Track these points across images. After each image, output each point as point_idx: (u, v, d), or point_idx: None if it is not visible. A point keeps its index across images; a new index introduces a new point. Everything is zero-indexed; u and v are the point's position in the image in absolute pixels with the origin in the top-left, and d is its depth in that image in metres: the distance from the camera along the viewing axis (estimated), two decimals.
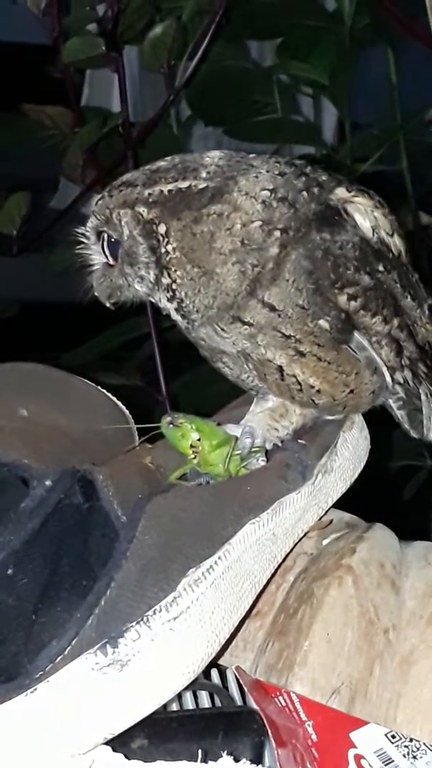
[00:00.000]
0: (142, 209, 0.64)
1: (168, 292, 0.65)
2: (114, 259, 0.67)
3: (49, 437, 0.68)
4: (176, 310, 0.66)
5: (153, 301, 0.68)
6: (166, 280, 0.65)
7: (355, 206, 0.67)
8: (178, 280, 0.64)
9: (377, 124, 1.59)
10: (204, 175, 0.64)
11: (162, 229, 0.64)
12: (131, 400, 0.75)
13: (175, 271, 0.64)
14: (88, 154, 1.33)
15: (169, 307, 0.66)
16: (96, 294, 0.70)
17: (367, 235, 0.67)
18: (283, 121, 1.53)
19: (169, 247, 0.64)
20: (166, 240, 0.64)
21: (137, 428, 0.72)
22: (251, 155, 0.67)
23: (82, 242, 0.68)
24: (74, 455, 0.65)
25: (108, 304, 0.70)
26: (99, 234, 0.67)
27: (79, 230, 0.68)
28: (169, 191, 0.64)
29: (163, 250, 0.64)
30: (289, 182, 0.65)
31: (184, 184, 0.64)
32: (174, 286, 0.65)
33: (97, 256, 0.68)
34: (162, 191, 0.64)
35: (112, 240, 0.66)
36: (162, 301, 0.66)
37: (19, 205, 1.27)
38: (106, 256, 0.67)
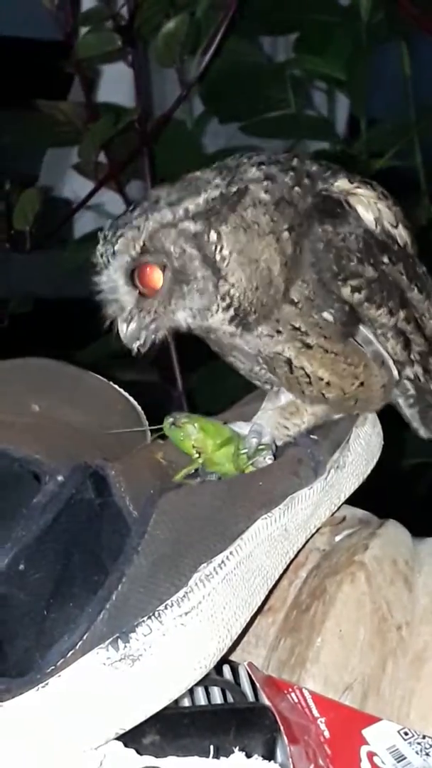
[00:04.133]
0: (187, 225, 0.63)
1: (225, 300, 0.64)
2: (153, 289, 0.64)
3: (61, 433, 0.68)
4: (231, 318, 0.64)
5: (188, 325, 0.65)
6: (224, 288, 0.63)
7: (357, 198, 0.66)
8: (236, 283, 0.63)
9: (391, 119, 1.59)
10: (219, 181, 0.63)
11: (213, 236, 0.63)
12: (146, 396, 0.75)
13: (233, 274, 0.63)
14: (102, 149, 1.33)
15: (222, 319, 0.64)
16: (126, 338, 0.66)
17: (370, 227, 0.66)
18: (297, 117, 1.53)
19: (225, 252, 0.63)
20: (219, 246, 0.63)
21: (144, 429, 0.72)
22: (239, 158, 0.66)
23: (105, 289, 0.65)
24: (86, 451, 0.65)
25: (136, 348, 0.66)
26: (132, 270, 0.64)
27: (102, 279, 0.64)
28: (206, 201, 0.63)
29: (218, 257, 0.63)
30: (279, 182, 0.64)
31: (215, 193, 0.63)
32: (232, 291, 0.63)
33: (127, 297, 0.64)
34: (199, 203, 0.63)
35: (154, 268, 0.63)
36: (214, 315, 0.64)
37: (32, 202, 1.27)
38: (144, 289, 0.64)
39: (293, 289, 0.64)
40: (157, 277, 0.63)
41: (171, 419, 0.66)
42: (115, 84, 1.38)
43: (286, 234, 0.63)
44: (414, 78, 1.52)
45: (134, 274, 0.64)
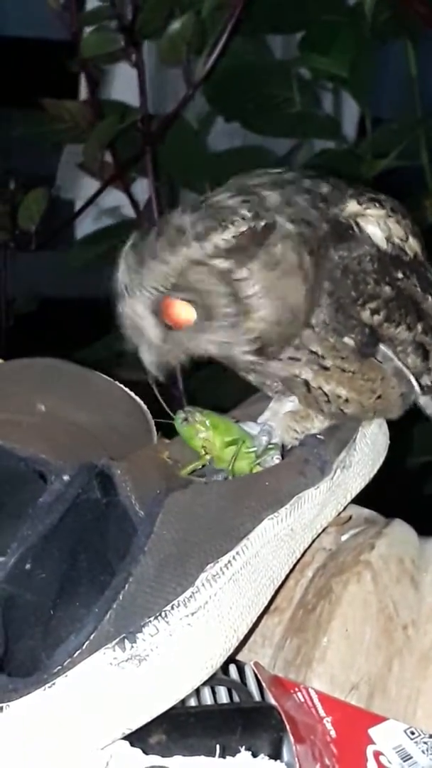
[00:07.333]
0: (217, 262, 0.61)
1: (249, 334, 0.63)
2: (180, 324, 0.63)
3: (67, 432, 0.68)
4: (254, 351, 0.64)
5: (209, 355, 0.65)
6: (250, 323, 0.63)
7: (366, 218, 0.66)
8: (262, 320, 0.62)
9: (397, 118, 1.59)
10: (246, 213, 0.62)
11: (243, 274, 0.62)
12: (149, 395, 0.75)
13: (259, 310, 0.62)
14: (107, 148, 1.33)
15: (244, 350, 0.64)
16: (150, 366, 0.66)
17: (381, 246, 0.66)
18: (304, 116, 1.52)
19: (254, 290, 0.62)
20: (248, 283, 0.62)
21: (150, 428, 0.72)
22: (258, 178, 0.65)
23: (127, 319, 0.64)
24: (92, 450, 0.65)
25: (161, 376, 0.66)
26: (158, 304, 0.63)
27: (125, 309, 0.64)
28: (234, 236, 0.61)
29: (246, 293, 0.62)
30: (301, 206, 0.63)
31: (243, 227, 0.61)
32: (258, 326, 0.63)
33: (152, 329, 0.64)
34: (228, 239, 0.61)
35: (183, 304, 0.62)
36: (238, 347, 0.64)
37: (38, 201, 1.28)
38: (170, 323, 0.63)
39: (312, 315, 0.64)
40: (185, 313, 0.63)
41: (183, 415, 0.66)
42: (130, 83, 1.38)
43: (308, 261, 0.62)
44: (420, 77, 1.52)
45: (161, 308, 0.63)
